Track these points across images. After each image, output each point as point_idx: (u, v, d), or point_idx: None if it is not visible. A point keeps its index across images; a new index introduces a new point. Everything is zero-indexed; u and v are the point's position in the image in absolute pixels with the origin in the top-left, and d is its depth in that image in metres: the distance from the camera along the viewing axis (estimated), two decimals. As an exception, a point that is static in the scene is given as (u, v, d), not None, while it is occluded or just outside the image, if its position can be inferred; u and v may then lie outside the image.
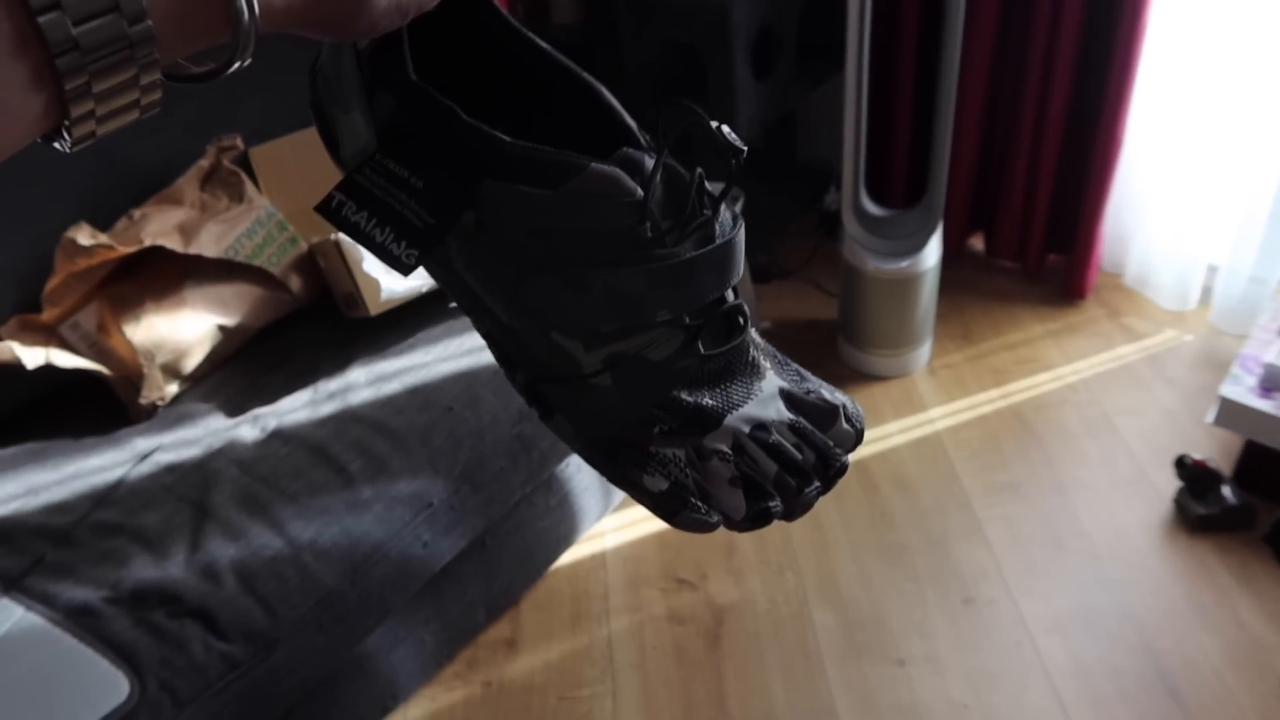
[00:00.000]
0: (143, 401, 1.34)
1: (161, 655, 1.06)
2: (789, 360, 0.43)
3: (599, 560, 1.65)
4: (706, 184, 0.37)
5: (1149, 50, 1.83)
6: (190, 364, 1.38)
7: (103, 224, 1.40)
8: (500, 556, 1.48)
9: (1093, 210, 1.99)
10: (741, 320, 0.40)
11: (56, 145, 0.26)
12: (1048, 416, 1.85)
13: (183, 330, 1.37)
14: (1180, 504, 1.61)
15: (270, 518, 1.19)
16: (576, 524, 1.61)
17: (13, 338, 1.32)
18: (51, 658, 1.05)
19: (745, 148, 0.36)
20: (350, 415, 1.31)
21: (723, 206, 0.38)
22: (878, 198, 1.91)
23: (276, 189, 1.52)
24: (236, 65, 0.28)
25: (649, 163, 0.35)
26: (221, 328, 1.40)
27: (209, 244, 1.38)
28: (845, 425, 0.41)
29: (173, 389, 1.38)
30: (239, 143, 1.52)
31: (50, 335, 1.35)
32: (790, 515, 0.39)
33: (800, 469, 0.39)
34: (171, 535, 1.17)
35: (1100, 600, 1.51)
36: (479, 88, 0.40)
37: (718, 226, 0.37)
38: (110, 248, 1.32)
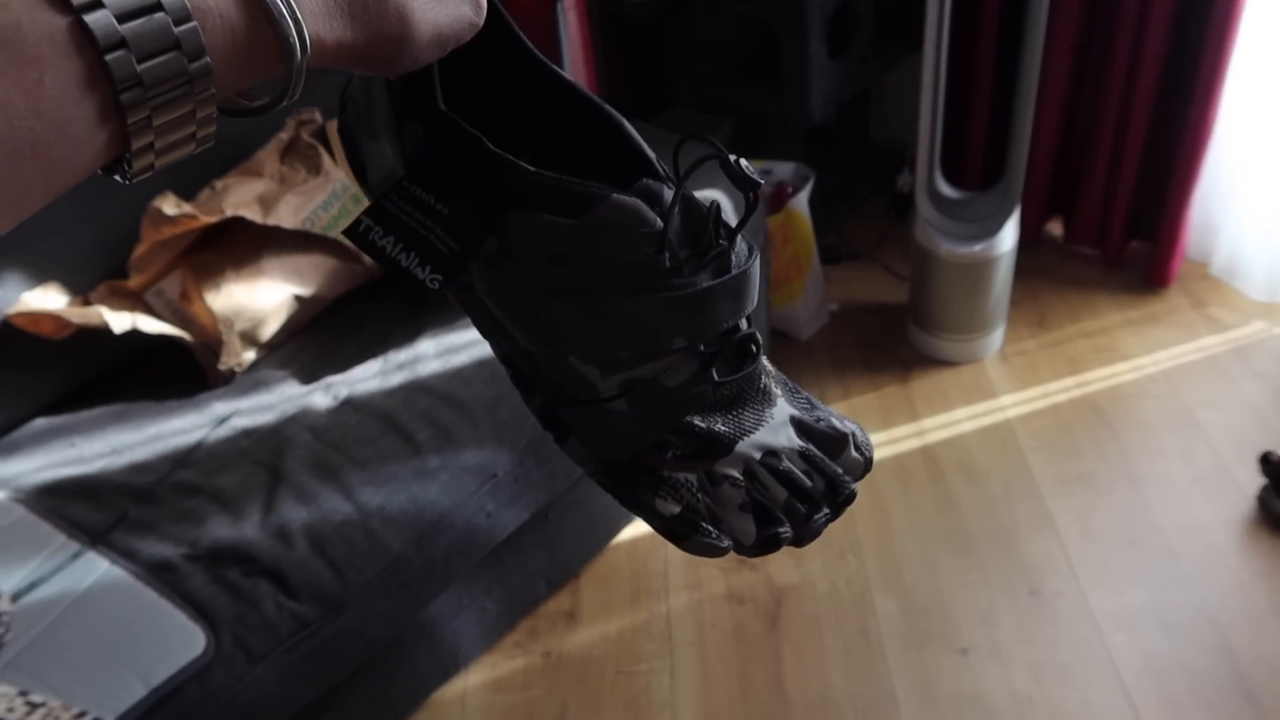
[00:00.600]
0: (221, 367, 1.38)
1: (236, 612, 1.10)
2: (799, 388, 0.44)
3: (659, 537, 1.65)
4: (723, 215, 0.38)
5: (1245, 28, 1.75)
6: (267, 332, 1.42)
7: (187, 194, 1.45)
8: (562, 529, 1.49)
9: (1180, 195, 1.92)
10: (754, 348, 0.41)
11: (116, 177, 0.27)
12: (1124, 408, 1.80)
13: (260, 299, 1.40)
14: (1264, 501, 1.56)
15: (341, 483, 1.21)
16: (638, 501, 1.61)
17: (102, 303, 1.37)
18: (133, 610, 1.10)
19: (761, 181, 0.37)
20: (419, 386, 1.34)
21: (739, 238, 0.39)
22: (953, 179, 1.87)
23: (352, 162, 1.55)
24: (288, 100, 0.29)
25: (668, 194, 0.36)
26: (297, 297, 1.44)
27: (287, 215, 1.41)
28: (854, 453, 0.42)
29: (250, 356, 1.42)
30: (317, 117, 1.55)
31: (136, 301, 1.40)
32: (799, 541, 0.40)
33: (810, 496, 0.40)
34: (247, 497, 1.21)
35: (1174, 597, 1.46)
36: (504, 117, 0.41)
37: (734, 257, 0.38)
38: (193, 217, 1.36)
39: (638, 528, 1.66)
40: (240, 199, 1.42)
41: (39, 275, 1.37)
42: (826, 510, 0.40)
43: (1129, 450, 1.71)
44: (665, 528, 0.39)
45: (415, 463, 1.25)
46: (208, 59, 0.26)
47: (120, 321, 1.31)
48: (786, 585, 1.55)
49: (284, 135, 1.52)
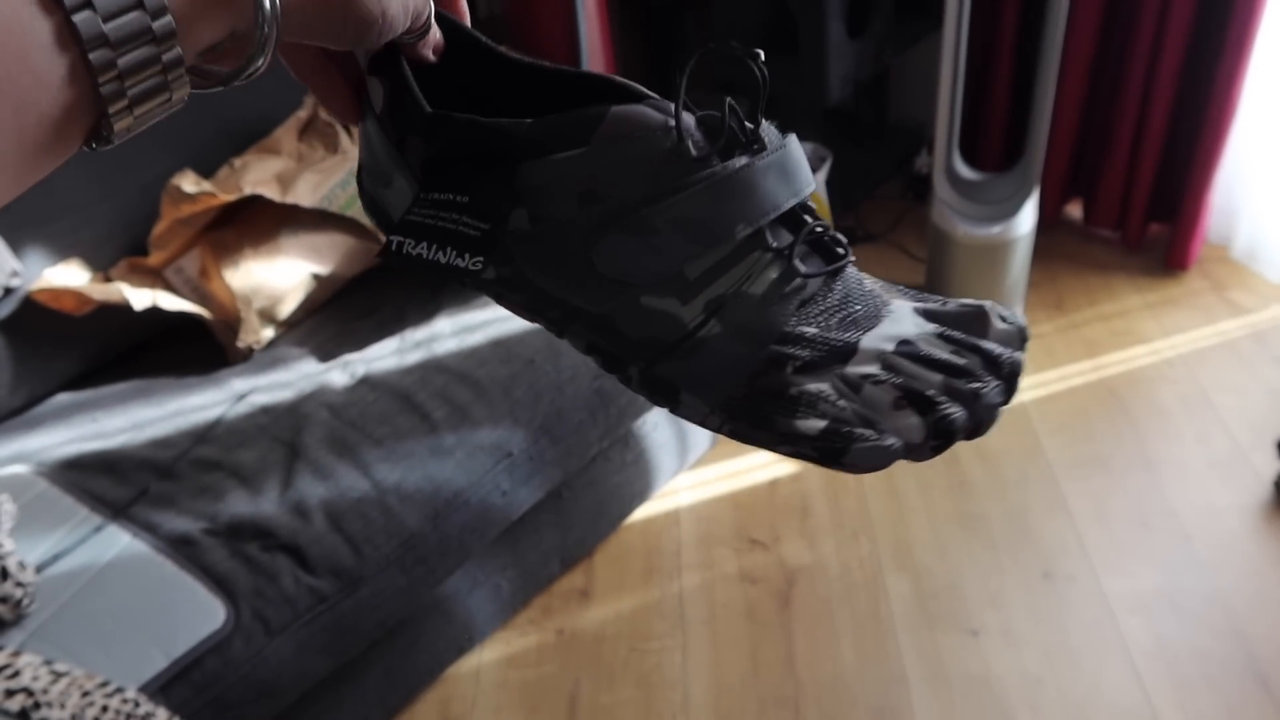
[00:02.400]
0: (240, 344, 1.40)
1: (255, 586, 1.11)
2: (911, 287, 0.39)
3: (673, 517, 1.66)
4: (739, 112, 0.36)
5: (1272, 9, 1.72)
6: (285, 310, 1.43)
7: (206, 172, 1.46)
8: (576, 508, 1.50)
9: (1201, 178, 1.90)
10: (840, 249, 0.37)
11: (94, 145, 0.28)
12: (1141, 391, 1.79)
13: (279, 277, 1.41)
14: (1280, 487, 1.55)
15: (358, 460, 1.23)
16: (651, 480, 1.62)
17: (122, 280, 1.38)
18: (154, 583, 1.12)
19: (760, 51, 0.35)
20: (435, 364, 1.35)
21: (765, 123, 0.36)
22: (971, 160, 1.86)
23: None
24: (260, 62, 0.29)
25: (671, 107, 0.35)
26: (315, 275, 1.45)
27: (305, 194, 1.42)
28: (1000, 324, 0.37)
29: (268, 333, 1.43)
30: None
31: (156, 278, 1.41)
32: (978, 425, 0.34)
33: (969, 371, 0.35)
34: (265, 473, 1.22)
35: (1188, 581, 1.46)
36: (497, 114, 0.41)
37: (765, 138, 0.36)
38: (212, 195, 1.37)
39: (652, 507, 1.67)
40: (258, 177, 1.43)
41: (60, 252, 1.38)
42: (996, 381, 0.34)
43: (1145, 434, 1.71)
44: (817, 449, 0.34)
45: (431, 440, 1.26)
46: (169, 17, 0.26)
47: (141, 298, 1.33)
48: (798, 566, 1.56)
49: (302, 114, 1.52)
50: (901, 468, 1.68)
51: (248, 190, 1.39)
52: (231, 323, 1.40)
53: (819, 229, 0.37)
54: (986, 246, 1.80)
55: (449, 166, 0.36)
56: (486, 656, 1.47)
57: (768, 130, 0.36)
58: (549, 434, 1.32)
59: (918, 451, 0.34)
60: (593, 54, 2.03)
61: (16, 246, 1.36)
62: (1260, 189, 1.93)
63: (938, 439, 0.34)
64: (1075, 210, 2.20)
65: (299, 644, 1.13)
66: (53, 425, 1.35)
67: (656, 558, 1.60)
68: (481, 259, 0.35)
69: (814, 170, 1.92)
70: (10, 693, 0.94)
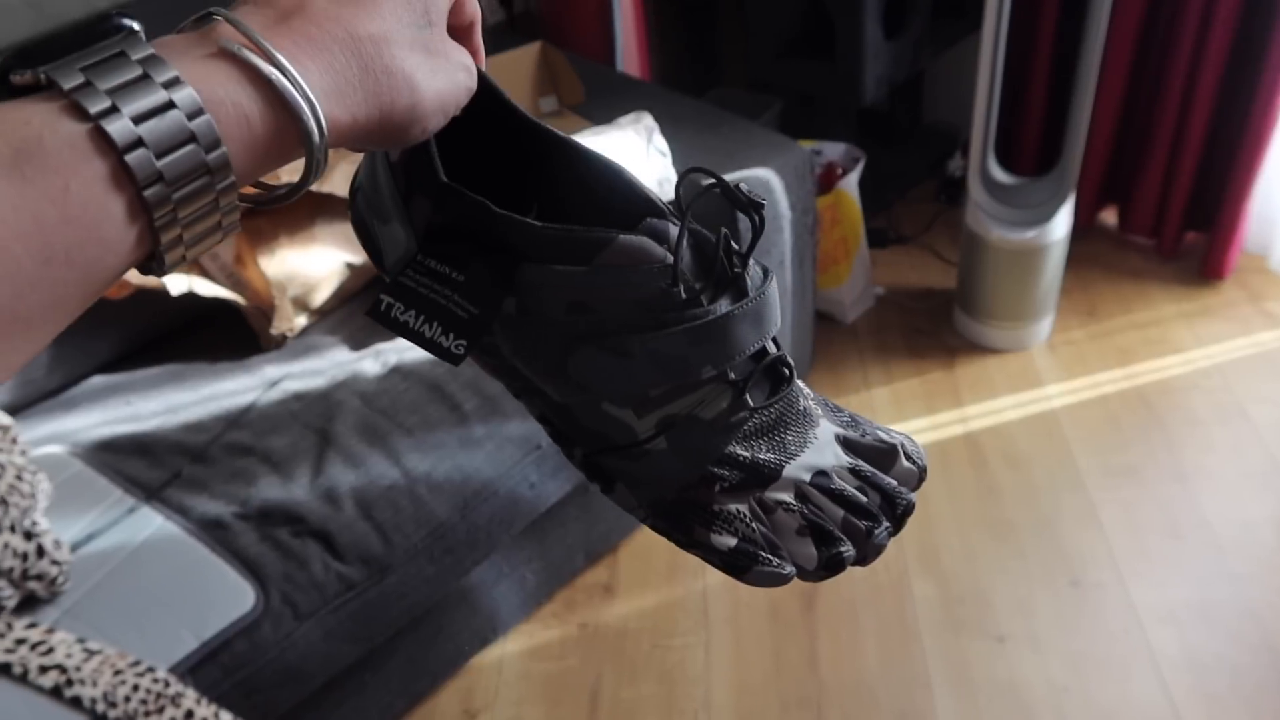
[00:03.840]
0: (274, 332, 1.41)
1: (284, 571, 1.12)
2: (840, 407, 0.44)
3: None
4: (733, 243, 0.38)
5: (1319, 15, 1.70)
6: (319, 298, 1.44)
7: (243, 160, 1.47)
8: (602, 504, 1.50)
9: (1241, 186, 1.87)
10: (787, 371, 0.41)
11: (152, 274, 0.28)
12: (1174, 401, 1.77)
13: (313, 265, 1.42)
14: (1315, 501, 1.53)
15: (388, 449, 1.23)
16: (678, 477, 1.62)
17: (159, 265, 1.40)
18: (185, 565, 1.13)
19: (764, 201, 0.38)
20: (466, 356, 1.35)
21: (751, 262, 0.39)
22: (1006, 164, 1.84)
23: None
24: (313, 180, 0.30)
25: (674, 230, 0.37)
26: (349, 265, 1.46)
27: (340, 182, 1.43)
28: (906, 463, 0.41)
29: (301, 321, 1.45)
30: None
31: (192, 265, 1.42)
32: (864, 559, 0.40)
33: (867, 511, 0.39)
34: (296, 459, 1.23)
35: (1220, 594, 1.44)
36: (505, 179, 0.42)
37: (749, 281, 0.38)
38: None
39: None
40: (295, 165, 1.44)
41: (100, 236, 1.40)
42: (887, 524, 0.40)
43: (1177, 444, 1.69)
44: (724, 562, 0.39)
45: (461, 431, 1.26)
46: (224, 149, 0.27)
47: (177, 284, 1.34)
48: (824, 567, 1.55)
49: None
50: (932, 471, 1.66)
51: (284, 178, 1.40)
52: (265, 310, 1.41)
53: (772, 358, 0.40)
54: (1020, 251, 1.79)
55: (451, 239, 0.37)
56: (509, 648, 1.47)
57: (753, 271, 0.39)
58: (578, 428, 1.32)
59: (808, 576, 0.39)
60: (627, 49, 2.03)
61: (57, 229, 1.37)
62: (1301, 199, 1.91)
63: (827, 570, 0.39)
64: (1110, 217, 2.17)
65: (326, 630, 1.13)
66: (88, 407, 1.36)
67: (681, 554, 1.59)
68: (465, 343, 0.37)
69: (847, 172, 1.91)
70: (44, 669, 0.96)
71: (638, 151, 1.44)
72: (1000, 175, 1.81)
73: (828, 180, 1.89)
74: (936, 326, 1.98)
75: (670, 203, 0.39)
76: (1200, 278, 2.02)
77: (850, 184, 1.89)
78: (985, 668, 1.39)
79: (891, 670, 1.40)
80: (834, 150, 1.97)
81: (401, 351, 1.37)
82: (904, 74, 2.03)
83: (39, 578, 1.04)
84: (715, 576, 1.55)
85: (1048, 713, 1.32)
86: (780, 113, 2.13)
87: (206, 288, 1.37)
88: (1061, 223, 1.77)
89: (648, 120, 1.48)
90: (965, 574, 1.52)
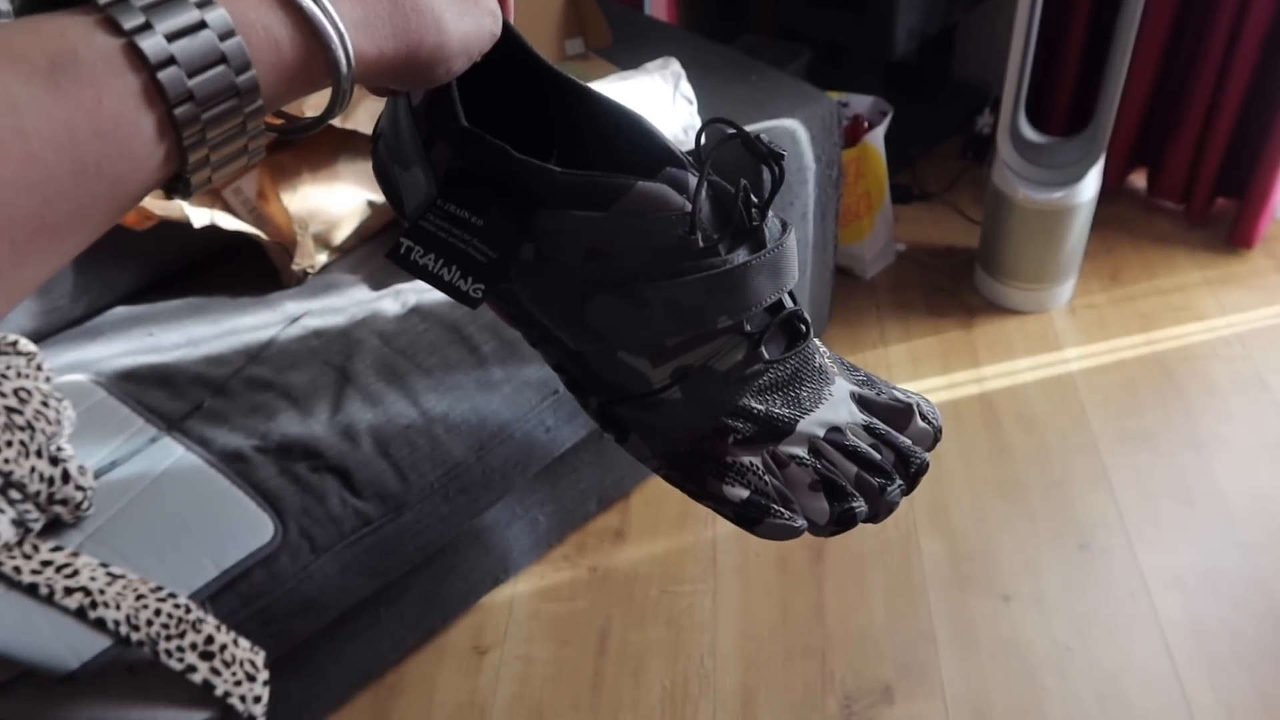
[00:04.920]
0: (295, 268, 1.41)
1: (302, 504, 1.14)
2: (857, 366, 0.43)
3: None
4: (752, 195, 0.38)
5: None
6: (340, 235, 1.44)
7: (266, 94, 1.46)
8: (616, 450, 1.50)
9: (1275, 153, 1.84)
10: (804, 327, 0.41)
11: (177, 195, 0.28)
12: (1193, 368, 1.76)
13: (335, 203, 1.42)
14: (1330, 473, 1.53)
15: (406, 388, 1.24)
16: (692, 427, 1.63)
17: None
18: (206, 496, 1.15)
19: (784, 152, 0.38)
20: (486, 299, 1.35)
21: (770, 214, 0.39)
22: (1036, 123, 1.81)
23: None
24: (339, 112, 0.30)
25: (693, 180, 0.37)
26: (371, 203, 1.45)
27: (364, 120, 1.42)
28: (921, 423, 0.41)
29: (323, 258, 1.45)
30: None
31: (215, 198, 1.42)
32: (876, 516, 0.40)
33: (881, 468, 0.39)
34: (315, 395, 1.24)
35: (1228, 561, 1.45)
36: (527, 127, 0.42)
37: (767, 232, 0.38)
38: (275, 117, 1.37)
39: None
40: (319, 101, 1.42)
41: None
42: (900, 482, 0.40)
43: (1194, 412, 1.68)
44: (736, 514, 0.39)
45: (479, 374, 1.27)
46: (254, 72, 0.27)
47: (200, 216, 1.34)
48: (833, 520, 1.57)
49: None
50: (945, 429, 1.67)
51: (308, 114, 1.39)
52: (287, 245, 1.41)
53: (788, 312, 0.40)
54: (1046, 212, 1.77)
55: (471, 184, 0.37)
56: (520, 589, 1.50)
57: (771, 224, 0.39)
58: (595, 374, 1.33)
59: (820, 531, 0.39)
60: (655, -7, 1.99)
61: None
62: (1336, 168, 1.87)
63: (839, 525, 0.39)
64: (1139, 180, 2.14)
65: (343, 564, 1.15)
66: (111, 337, 1.38)
67: (692, 503, 1.60)
68: (483, 287, 0.37)
69: (873, 125, 1.88)
70: (69, 590, 0.98)
71: (664, 98, 1.43)
72: (1030, 134, 1.78)
73: (854, 133, 1.87)
74: (956, 285, 1.97)
75: (691, 153, 0.39)
76: (1228, 245, 2.00)
77: (876, 138, 1.86)
78: (990, 625, 1.41)
79: (896, 624, 1.42)
80: (861, 103, 1.95)
81: (421, 292, 1.38)
82: (936, 27, 1.99)
83: (64, 502, 1.06)
84: (725, 526, 1.57)
85: (1050, 672, 1.34)
86: (808, 62, 2.09)
87: (229, 221, 1.38)
88: (1090, 184, 1.75)
89: (675, 66, 1.46)
90: (974, 533, 1.53)
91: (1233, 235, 1.99)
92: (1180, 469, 1.59)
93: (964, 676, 1.35)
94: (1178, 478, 1.58)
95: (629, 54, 1.57)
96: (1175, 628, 1.37)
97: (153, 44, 0.25)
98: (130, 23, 0.25)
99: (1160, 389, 1.73)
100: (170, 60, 0.25)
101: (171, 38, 0.25)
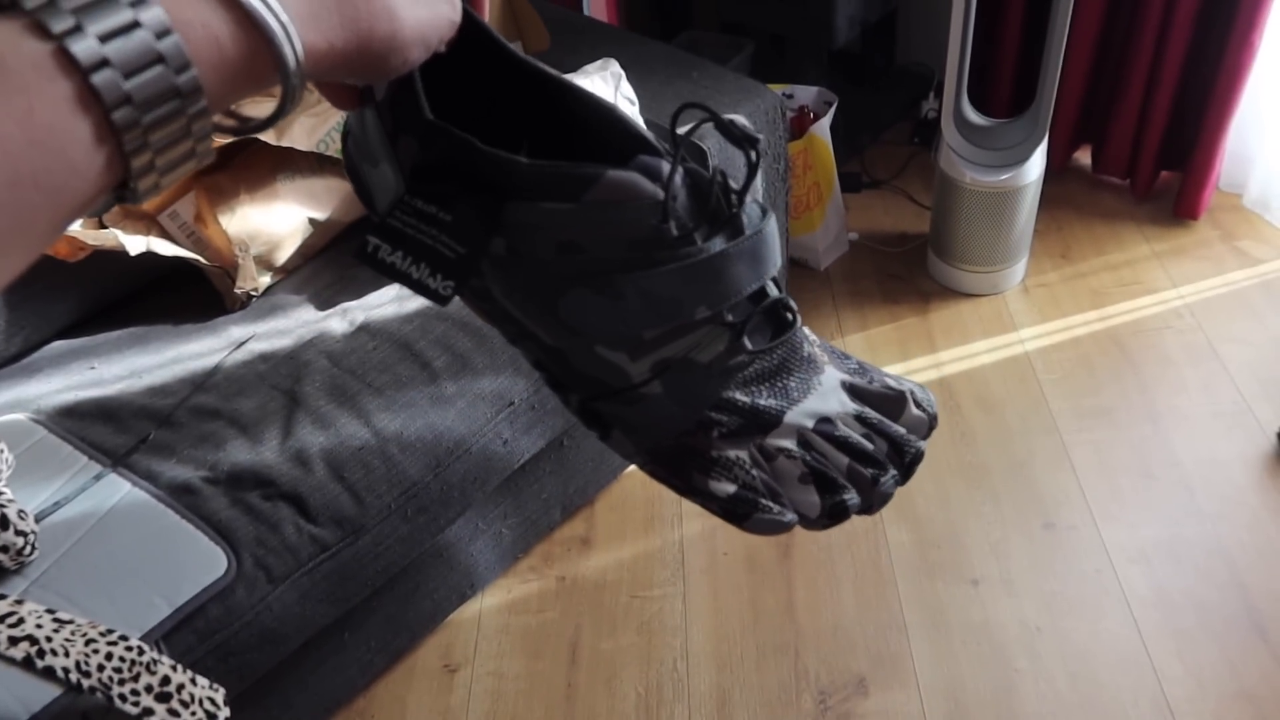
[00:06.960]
0: (238, 291, 1.38)
1: (256, 534, 1.11)
2: (848, 354, 0.42)
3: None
4: (730, 181, 0.37)
5: (1295, -52, 1.68)
6: (282, 256, 1.41)
7: (199, 115, 1.42)
8: (577, 457, 1.50)
9: (1215, 124, 1.86)
10: (790, 315, 0.39)
11: (126, 201, 0.27)
12: (1147, 342, 1.78)
13: (275, 223, 1.39)
14: (1284, 438, 1.55)
15: (358, 409, 1.22)
16: (654, 429, 1.61)
17: (116, 225, 1.36)
18: (155, 532, 1.11)
19: (760, 136, 0.37)
20: (435, 312, 1.33)
21: (748, 199, 0.38)
22: (980, 105, 1.82)
23: (366, 83, 1.52)
24: (289, 109, 0.29)
25: (667, 167, 0.35)
26: (312, 221, 1.42)
27: (300, 137, 1.39)
28: (915, 411, 0.40)
29: (266, 280, 1.42)
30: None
31: (151, 224, 1.39)
32: (869, 508, 0.38)
33: (873, 458, 0.38)
34: (265, 421, 1.21)
35: (1189, 532, 1.46)
36: (496, 118, 0.40)
37: (745, 218, 0.37)
38: (206, 138, 1.34)
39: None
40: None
41: (53, 196, 1.36)
42: (894, 472, 0.38)
43: (1149, 385, 1.70)
44: (723, 509, 0.38)
45: (432, 390, 1.25)
46: (195, 71, 0.26)
47: (136, 244, 1.30)
48: (800, 514, 1.56)
49: (296, 54, 1.48)
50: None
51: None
52: (228, 269, 1.38)
53: (772, 300, 0.39)
54: (994, 194, 1.77)
55: (438, 178, 0.36)
56: (488, 603, 1.48)
57: (750, 209, 0.37)
58: (550, 383, 1.31)
59: (812, 525, 0.38)
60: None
61: (8, 190, 1.33)
62: (1276, 135, 1.90)
63: (831, 518, 0.37)
64: (1084, 157, 2.16)
65: (301, 592, 1.13)
66: (49, 373, 1.34)
67: (657, 506, 1.60)
68: (453, 284, 0.36)
69: (819, 116, 1.88)
70: (14, 640, 0.95)
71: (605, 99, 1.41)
72: (974, 117, 1.79)
73: (800, 125, 1.87)
74: (910, 271, 1.97)
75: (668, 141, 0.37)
76: (1174, 217, 2.02)
77: (823, 128, 1.86)
78: (960, 611, 1.41)
79: (867, 615, 1.42)
80: (806, 94, 1.94)
81: (369, 309, 1.35)
82: (876, 14, 1.99)
83: (4, 549, 1.02)
84: (692, 527, 1.56)
85: (1021, 653, 1.35)
86: (752, 55, 2.09)
87: (166, 248, 1.34)
88: (1035, 165, 1.76)
89: (614, 67, 1.45)
90: (939, 519, 1.53)
91: (1178, 208, 2.01)
92: (1139, 442, 1.60)
93: (936, 663, 1.35)
94: (1137, 451, 1.59)
95: (568, 56, 1.55)
96: (1141, 601, 1.38)
97: (84, 47, 0.24)
98: (60, 26, 0.24)
99: (1115, 364, 1.75)
100: (104, 63, 0.24)
101: (104, 39, 0.24)
